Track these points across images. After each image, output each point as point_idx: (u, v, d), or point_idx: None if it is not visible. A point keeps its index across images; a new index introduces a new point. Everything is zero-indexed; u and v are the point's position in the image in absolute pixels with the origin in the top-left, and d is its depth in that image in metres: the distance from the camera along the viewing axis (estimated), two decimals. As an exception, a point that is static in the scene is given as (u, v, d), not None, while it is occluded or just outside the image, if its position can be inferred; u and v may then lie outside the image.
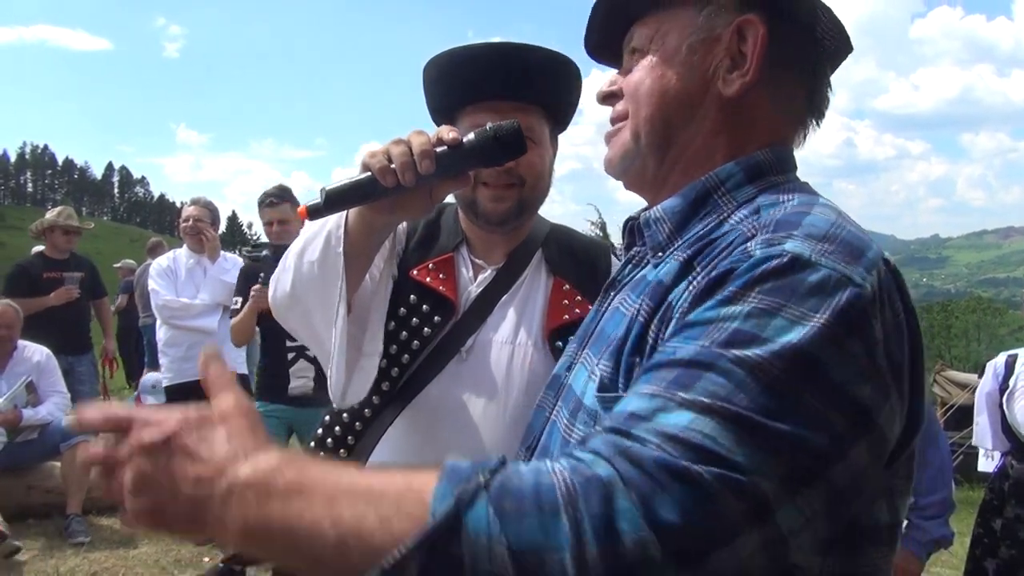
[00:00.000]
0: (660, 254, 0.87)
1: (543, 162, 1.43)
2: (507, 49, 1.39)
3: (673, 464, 0.58)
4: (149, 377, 5.65)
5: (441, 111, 1.46)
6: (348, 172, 1.11)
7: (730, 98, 0.86)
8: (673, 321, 0.73)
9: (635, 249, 0.95)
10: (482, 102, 1.38)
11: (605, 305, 0.95)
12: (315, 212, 1.07)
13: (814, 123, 0.93)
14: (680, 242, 0.85)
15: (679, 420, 0.61)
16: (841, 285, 0.66)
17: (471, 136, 1.08)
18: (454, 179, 1.13)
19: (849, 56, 0.93)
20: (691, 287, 0.74)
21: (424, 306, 1.40)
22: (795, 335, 0.63)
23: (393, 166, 1.06)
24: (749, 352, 0.63)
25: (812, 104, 0.91)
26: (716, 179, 0.85)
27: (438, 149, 1.07)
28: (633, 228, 0.94)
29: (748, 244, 0.72)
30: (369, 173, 1.07)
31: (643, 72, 0.91)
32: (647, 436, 0.60)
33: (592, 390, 0.83)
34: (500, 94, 1.38)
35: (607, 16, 0.97)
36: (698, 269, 0.76)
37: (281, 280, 1.33)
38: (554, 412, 0.93)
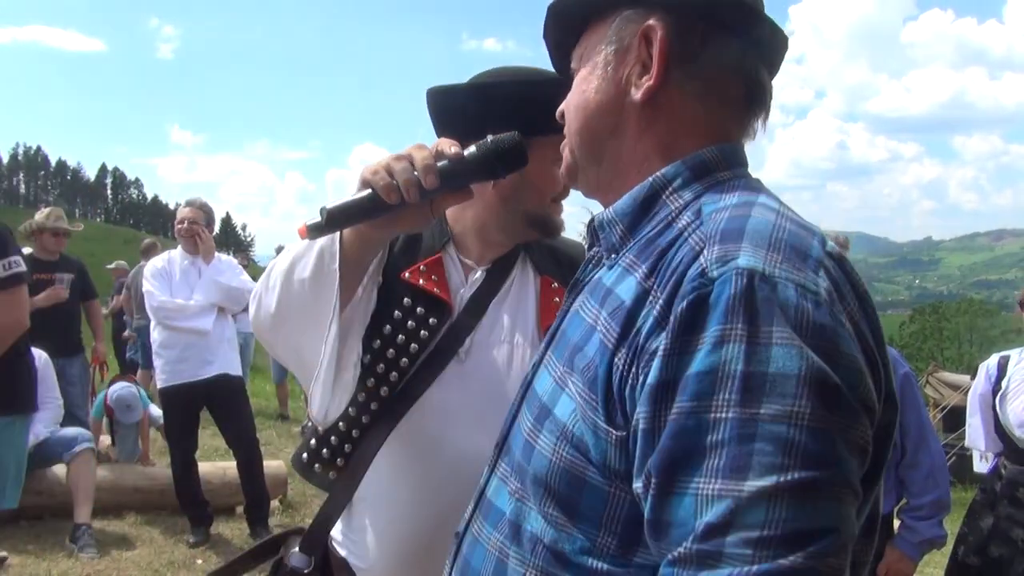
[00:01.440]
0: (613, 256, 0.89)
1: None
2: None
3: (778, 568, 0.62)
4: (122, 394, 5.47)
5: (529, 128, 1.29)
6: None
7: (642, 103, 0.88)
8: (645, 354, 0.74)
9: (594, 250, 0.97)
10: (548, 135, 1.25)
11: (568, 306, 0.96)
12: (316, 231, 1.06)
13: (760, 117, 0.93)
14: (632, 243, 0.87)
15: (757, 516, 0.63)
16: (804, 295, 0.70)
17: (472, 149, 1.08)
18: (455, 193, 1.13)
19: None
20: (652, 310, 0.76)
21: (418, 308, 1.38)
22: (797, 364, 0.66)
23: (396, 183, 1.05)
24: (776, 406, 0.65)
25: (752, 98, 0.91)
26: (663, 179, 0.87)
27: (439, 163, 1.06)
28: (594, 229, 0.96)
29: (700, 260, 0.73)
30: (371, 191, 1.06)
31: (573, 90, 0.96)
32: (739, 551, 0.63)
33: (565, 403, 0.83)
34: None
35: (555, 41, 1.02)
36: (657, 291, 0.77)
37: (264, 300, 1.29)
38: (519, 412, 0.95)
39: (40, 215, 5.76)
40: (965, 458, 6.71)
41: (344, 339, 1.28)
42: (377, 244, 1.25)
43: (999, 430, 3.13)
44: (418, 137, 1.15)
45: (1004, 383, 3.11)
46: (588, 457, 0.78)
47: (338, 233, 1.18)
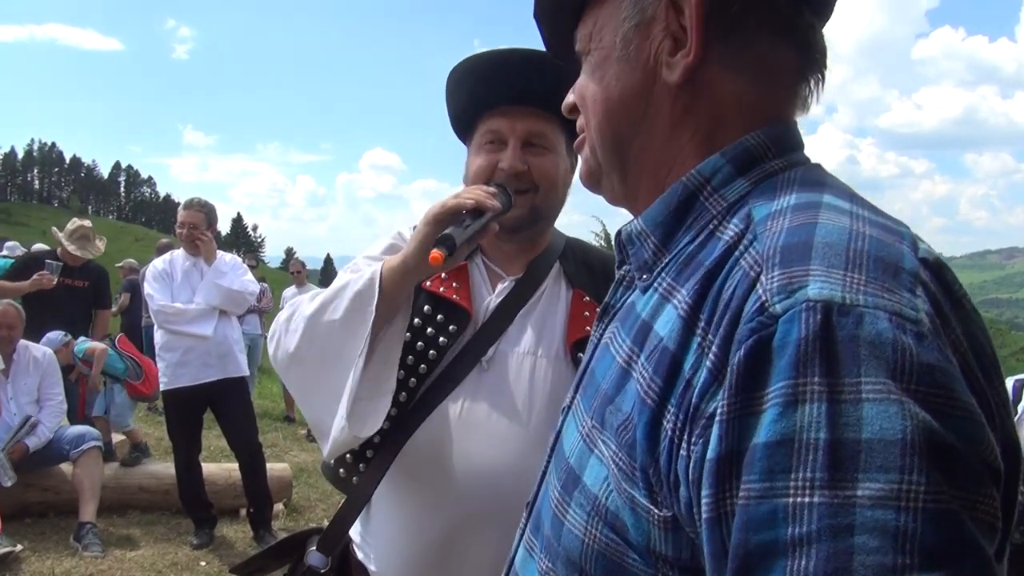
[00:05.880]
0: (646, 276, 0.74)
1: (557, 169, 1.40)
2: (523, 55, 1.39)
3: None
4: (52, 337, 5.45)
5: (462, 118, 1.46)
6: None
7: (679, 84, 0.72)
8: (701, 418, 0.58)
9: (624, 268, 0.81)
10: (497, 107, 1.39)
11: (598, 336, 0.82)
12: (449, 255, 1.18)
13: (816, 82, 0.75)
14: (668, 259, 0.71)
15: None
16: (903, 327, 0.52)
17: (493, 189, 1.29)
18: (486, 230, 1.26)
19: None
20: (704, 358, 0.59)
21: (438, 316, 1.39)
22: (900, 424, 0.49)
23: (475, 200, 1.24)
24: (878, 483, 0.49)
25: (807, 61, 0.74)
26: (700, 177, 0.71)
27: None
28: (621, 244, 0.80)
29: (758, 291, 0.57)
30: (466, 214, 1.23)
31: (585, 77, 0.80)
32: None
33: (595, 468, 0.69)
34: (514, 99, 1.38)
35: (551, 17, 0.87)
36: (708, 332, 0.60)
37: (283, 341, 1.36)
38: (548, 470, 0.82)
39: (69, 227, 5.78)
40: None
41: (375, 369, 1.31)
42: (414, 282, 1.31)
43: (1014, 454, 3.09)
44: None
45: (1020, 407, 3.07)
46: (626, 539, 0.64)
47: (378, 276, 1.28)
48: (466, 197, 1.24)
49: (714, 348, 0.58)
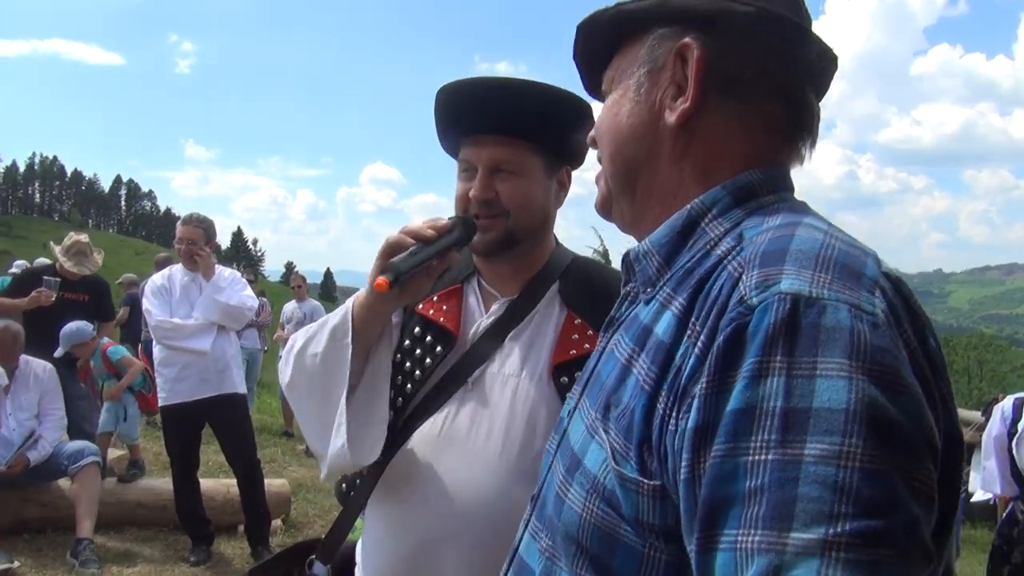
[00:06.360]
0: (650, 289, 0.84)
1: (527, 193, 1.42)
2: (491, 84, 1.42)
3: None
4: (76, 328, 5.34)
5: (444, 145, 1.51)
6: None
7: (677, 127, 0.83)
8: (687, 397, 0.67)
9: (629, 285, 0.91)
10: (469, 136, 1.43)
11: (604, 345, 0.91)
12: (394, 282, 1.21)
13: (807, 141, 0.87)
14: (669, 275, 0.81)
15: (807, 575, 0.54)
16: (860, 316, 0.61)
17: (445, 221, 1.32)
18: (440, 258, 1.30)
19: (837, 74, 0.89)
20: (693, 347, 0.69)
21: (427, 337, 1.43)
22: (846, 396, 0.58)
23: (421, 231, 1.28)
24: (822, 444, 0.57)
25: (796, 121, 0.85)
26: (703, 206, 0.81)
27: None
28: (629, 263, 0.91)
29: (740, 288, 0.67)
30: (414, 244, 1.26)
31: (603, 114, 0.92)
32: None
33: (595, 452, 0.78)
34: (483, 129, 1.41)
35: (586, 63, 0.98)
36: (696, 324, 0.70)
37: (283, 373, 1.49)
38: (554, 463, 0.90)
39: (65, 242, 5.79)
40: (970, 493, 6.62)
41: (364, 398, 1.38)
42: (384, 315, 1.39)
43: (1015, 473, 3.08)
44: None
45: (1020, 426, 3.07)
46: (620, 513, 0.72)
47: (350, 313, 1.36)
48: (408, 232, 1.29)
49: (702, 338, 0.68)
